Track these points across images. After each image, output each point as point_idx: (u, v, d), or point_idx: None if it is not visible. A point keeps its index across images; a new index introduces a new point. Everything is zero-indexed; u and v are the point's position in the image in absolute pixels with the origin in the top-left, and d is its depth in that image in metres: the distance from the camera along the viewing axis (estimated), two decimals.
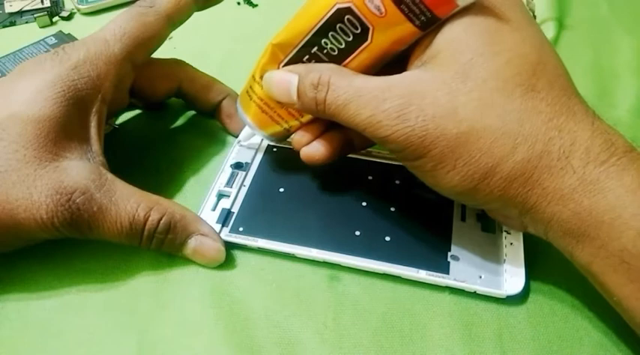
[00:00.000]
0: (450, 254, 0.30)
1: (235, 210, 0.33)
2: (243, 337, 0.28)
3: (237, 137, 0.36)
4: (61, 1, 0.53)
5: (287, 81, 0.29)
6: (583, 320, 0.28)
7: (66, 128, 0.29)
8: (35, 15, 0.50)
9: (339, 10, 0.27)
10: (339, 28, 0.27)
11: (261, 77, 0.30)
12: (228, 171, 0.35)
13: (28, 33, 0.49)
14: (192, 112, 0.41)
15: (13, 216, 0.27)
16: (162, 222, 0.29)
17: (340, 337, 0.28)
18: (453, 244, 0.31)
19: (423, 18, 0.26)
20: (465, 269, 0.30)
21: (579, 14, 0.49)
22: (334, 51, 0.28)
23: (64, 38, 0.48)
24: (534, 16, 0.46)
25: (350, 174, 0.35)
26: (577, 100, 0.26)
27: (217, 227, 0.32)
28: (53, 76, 0.29)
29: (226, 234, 0.31)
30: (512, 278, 0.29)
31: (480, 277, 0.29)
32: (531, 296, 0.29)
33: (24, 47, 0.46)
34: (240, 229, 0.32)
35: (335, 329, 0.28)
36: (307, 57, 0.29)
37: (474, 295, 0.29)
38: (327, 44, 0.28)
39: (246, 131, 0.34)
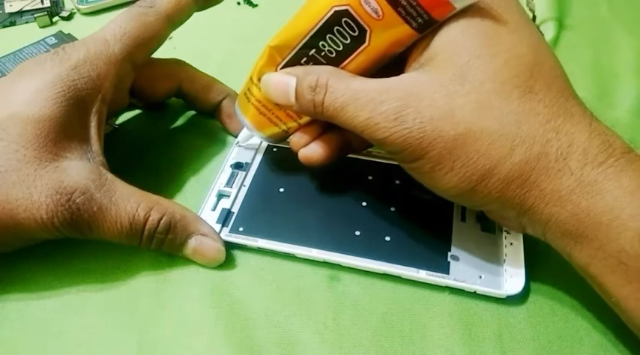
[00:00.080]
0: (450, 254, 0.30)
1: (235, 210, 0.33)
2: (243, 337, 0.28)
3: (237, 137, 0.36)
4: (61, 1, 0.53)
5: (285, 83, 0.29)
6: (583, 320, 0.28)
7: (66, 128, 0.29)
8: (35, 15, 0.50)
9: (336, 12, 0.27)
10: (337, 30, 0.27)
11: (259, 79, 0.30)
12: (228, 171, 0.35)
13: (28, 33, 0.49)
14: (192, 112, 0.41)
15: (13, 216, 0.27)
16: (162, 222, 0.29)
17: (340, 337, 0.28)
18: (453, 244, 0.31)
19: (420, 20, 0.26)
20: (465, 269, 0.30)
21: (579, 14, 0.49)
22: (332, 53, 0.28)
23: (64, 38, 0.48)
24: (534, 16, 0.46)
25: (350, 174, 0.35)
26: (574, 102, 0.26)
27: (217, 227, 0.32)
28: (53, 76, 0.29)
29: (226, 234, 0.31)
30: (512, 278, 0.29)
31: (480, 277, 0.29)
32: (531, 296, 0.29)
33: (24, 47, 0.46)
34: (240, 229, 0.32)
35: (335, 329, 0.28)
36: (305, 59, 0.29)
37: (474, 295, 0.29)
38: (324, 46, 0.28)
39: (244, 132, 0.34)
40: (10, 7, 0.52)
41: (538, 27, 0.46)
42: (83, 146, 0.30)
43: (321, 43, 0.28)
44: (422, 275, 0.29)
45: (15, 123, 0.28)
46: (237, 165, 0.35)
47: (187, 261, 0.31)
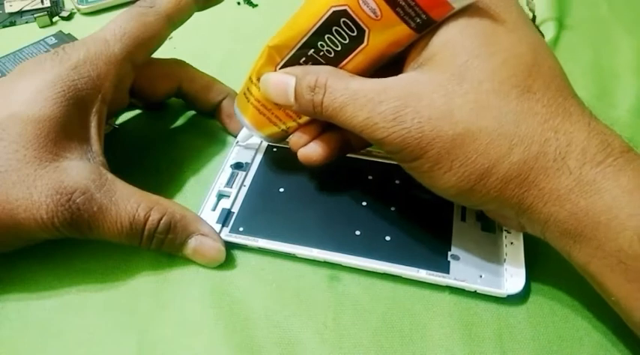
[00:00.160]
0: (450, 253, 0.30)
1: (235, 210, 0.33)
2: (243, 337, 0.28)
3: (236, 137, 0.36)
4: (61, 1, 0.53)
5: (284, 83, 0.29)
6: (583, 320, 0.28)
7: (66, 128, 0.29)
8: (35, 15, 0.50)
9: (334, 12, 0.27)
10: (335, 30, 0.27)
11: (258, 79, 0.30)
12: (228, 171, 0.35)
13: (28, 33, 0.49)
14: (192, 112, 0.41)
15: (13, 216, 0.27)
16: (162, 221, 0.29)
17: (340, 337, 0.28)
18: (453, 244, 0.31)
19: (418, 20, 0.26)
20: (465, 268, 0.30)
21: (579, 14, 0.49)
22: (330, 53, 0.28)
23: (64, 38, 0.48)
24: (534, 16, 0.46)
25: (350, 174, 0.35)
26: (573, 101, 0.26)
27: (217, 227, 0.32)
28: (53, 76, 0.30)
29: (226, 234, 0.31)
30: (512, 277, 0.29)
31: (480, 277, 0.29)
32: (531, 296, 0.29)
33: (24, 47, 0.46)
34: (241, 229, 0.32)
35: (335, 329, 0.28)
36: (304, 59, 0.29)
37: (474, 295, 0.29)
38: (323, 46, 0.28)
39: (244, 132, 0.34)
40: (10, 7, 0.52)
41: (538, 27, 0.46)
42: (83, 146, 0.30)
43: (319, 43, 0.28)
44: (422, 274, 0.29)
45: (15, 123, 0.28)
46: (237, 165, 0.35)
47: (187, 261, 0.31)
